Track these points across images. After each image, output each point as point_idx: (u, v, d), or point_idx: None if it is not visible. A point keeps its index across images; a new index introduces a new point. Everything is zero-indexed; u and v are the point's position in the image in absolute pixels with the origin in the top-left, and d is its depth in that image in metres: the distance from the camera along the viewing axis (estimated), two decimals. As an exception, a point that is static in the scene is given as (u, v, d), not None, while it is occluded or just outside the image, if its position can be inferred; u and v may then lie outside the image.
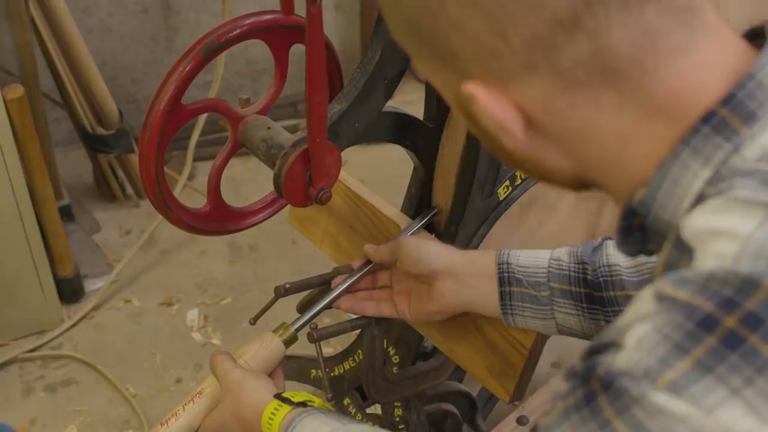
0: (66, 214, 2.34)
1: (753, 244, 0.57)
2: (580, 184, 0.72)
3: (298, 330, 1.13)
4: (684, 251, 0.62)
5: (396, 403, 1.38)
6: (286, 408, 1.00)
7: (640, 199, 0.67)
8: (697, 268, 0.58)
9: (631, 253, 0.73)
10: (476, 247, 1.31)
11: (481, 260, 1.13)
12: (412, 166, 1.30)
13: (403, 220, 1.29)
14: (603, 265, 1.06)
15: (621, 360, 0.59)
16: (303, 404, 1.01)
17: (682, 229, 0.62)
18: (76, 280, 2.20)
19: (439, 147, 1.26)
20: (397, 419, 1.39)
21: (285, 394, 1.03)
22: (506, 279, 1.10)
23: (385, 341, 1.31)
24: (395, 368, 1.39)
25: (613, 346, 0.61)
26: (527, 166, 0.73)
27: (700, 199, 0.63)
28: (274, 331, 1.11)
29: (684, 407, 0.56)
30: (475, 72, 0.66)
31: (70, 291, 2.20)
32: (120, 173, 2.47)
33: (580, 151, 0.68)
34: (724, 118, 0.63)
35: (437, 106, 1.24)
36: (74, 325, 2.15)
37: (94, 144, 2.34)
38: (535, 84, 0.65)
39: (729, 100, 0.63)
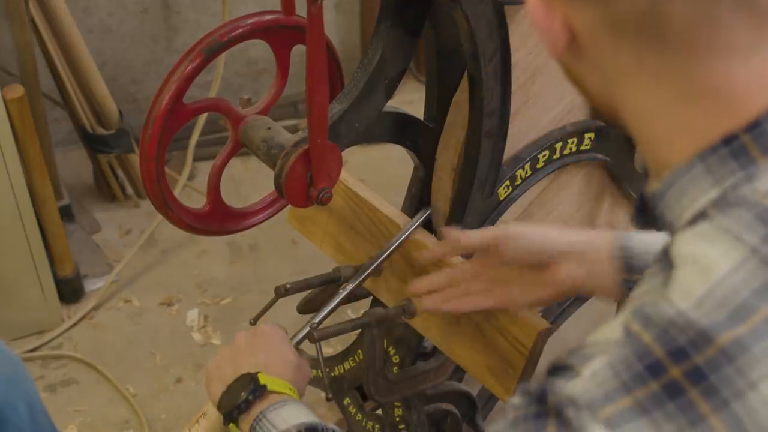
0: (66, 214, 2.34)
1: (721, 290, 0.58)
2: (616, 121, 0.72)
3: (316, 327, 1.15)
4: (667, 266, 0.62)
5: (396, 403, 1.38)
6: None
7: (652, 191, 0.68)
8: (661, 309, 0.59)
9: (641, 227, 0.74)
10: (476, 247, 1.31)
11: (601, 240, 1.07)
12: (412, 166, 1.30)
13: (403, 220, 1.30)
14: None
15: (572, 387, 0.61)
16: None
17: (673, 244, 0.63)
18: (76, 280, 2.20)
19: (439, 147, 1.26)
20: (397, 419, 1.39)
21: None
22: (629, 266, 1.05)
23: (385, 341, 1.31)
24: (395, 368, 1.39)
25: (572, 370, 0.62)
26: (571, 77, 0.74)
27: (701, 215, 0.63)
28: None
29: None
30: None
31: (70, 291, 2.20)
32: (120, 173, 2.47)
33: (616, 94, 0.68)
34: (744, 144, 0.62)
35: (437, 106, 1.24)
36: (74, 325, 2.15)
37: (94, 144, 2.34)
38: (588, 12, 0.65)
39: (754, 127, 0.62)
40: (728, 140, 0.62)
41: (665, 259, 0.63)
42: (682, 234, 0.63)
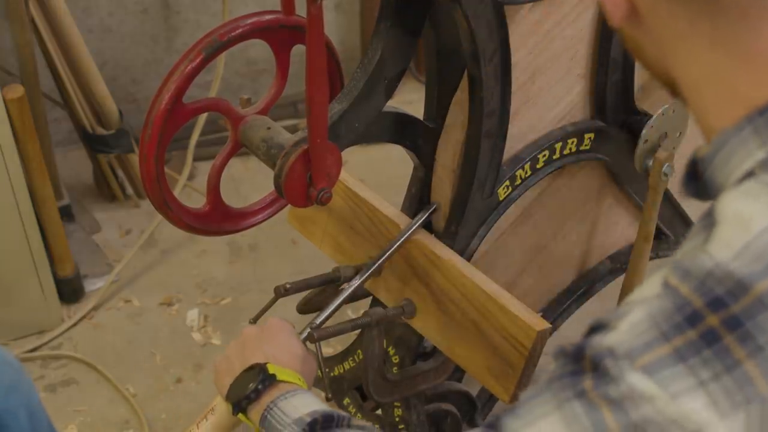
0: (66, 214, 2.33)
1: (760, 242, 0.60)
2: (672, 88, 0.74)
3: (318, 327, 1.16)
4: (710, 224, 0.64)
5: (396, 403, 1.38)
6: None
7: (701, 155, 0.69)
8: (700, 262, 0.61)
9: (691, 196, 0.75)
10: (476, 248, 1.31)
11: None
12: (412, 166, 1.30)
13: (403, 220, 1.30)
14: None
15: (610, 339, 0.62)
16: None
17: (718, 201, 0.65)
18: (76, 280, 2.20)
19: (438, 147, 1.26)
20: (397, 419, 1.39)
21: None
22: None
23: (385, 341, 1.31)
24: (395, 368, 1.39)
25: (609, 326, 0.64)
26: (630, 46, 0.76)
27: (748, 175, 0.65)
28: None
29: (653, 388, 0.59)
30: None
31: (70, 291, 2.19)
32: (120, 173, 2.47)
33: (670, 61, 0.70)
34: None
35: (437, 106, 1.24)
36: (74, 325, 2.15)
37: (94, 144, 2.34)
38: None
39: None
40: None
41: (708, 218, 0.65)
42: (727, 192, 0.65)
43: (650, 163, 1.41)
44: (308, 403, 0.98)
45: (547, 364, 1.16)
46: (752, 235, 0.60)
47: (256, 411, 1.01)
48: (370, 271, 1.22)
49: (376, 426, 1.42)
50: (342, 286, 1.25)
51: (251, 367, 1.03)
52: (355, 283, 1.21)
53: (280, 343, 1.08)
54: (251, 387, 1.01)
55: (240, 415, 1.03)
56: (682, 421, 0.59)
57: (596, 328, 0.65)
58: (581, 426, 0.62)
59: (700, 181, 0.72)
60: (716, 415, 0.58)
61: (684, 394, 0.59)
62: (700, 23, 0.66)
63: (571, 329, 1.60)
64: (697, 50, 0.67)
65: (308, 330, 1.16)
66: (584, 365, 0.63)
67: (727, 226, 0.62)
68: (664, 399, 0.59)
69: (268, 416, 0.98)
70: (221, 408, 1.07)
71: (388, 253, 1.25)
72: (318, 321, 1.17)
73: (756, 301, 0.58)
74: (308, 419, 0.94)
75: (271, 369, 1.02)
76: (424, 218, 1.27)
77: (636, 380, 0.60)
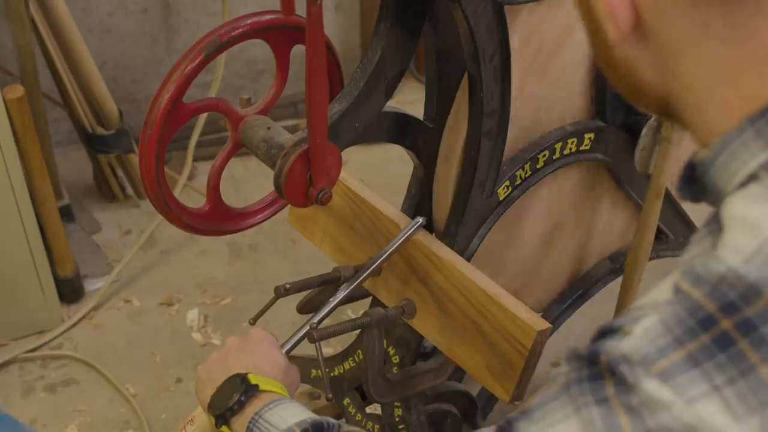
0: (66, 214, 2.34)
1: None
2: (664, 109, 0.73)
3: (315, 325, 1.15)
4: (716, 229, 0.64)
5: (396, 403, 1.38)
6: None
7: (701, 159, 0.68)
8: (712, 267, 0.61)
9: (686, 198, 0.75)
10: (476, 248, 1.31)
11: None
12: (412, 166, 1.30)
13: (403, 220, 1.29)
14: None
15: (624, 345, 0.62)
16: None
17: (723, 205, 0.64)
18: (76, 280, 2.20)
19: (439, 147, 1.26)
20: (397, 419, 1.39)
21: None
22: None
23: (385, 341, 1.31)
24: (395, 368, 1.39)
25: (621, 331, 0.63)
26: (620, 71, 0.73)
27: (752, 178, 0.64)
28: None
29: (669, 394, 0.59)
30: None
31: (70, 291, 2.20)
32: (120, 173, 2.47)
33: (674, 70, 0.69)
34: None
35: (437, 106, 1.24)
36: (74, 325, 2.15)
37: (94, 144, 2.34)
38: None
39: None
40: None
41: (714, 223, 0.64)
42: (732, 197, 0.64)
43: None
44: (296, 413, 0.96)
45: (546, 364, 1.16)
46: (762, 239, 0.60)
47: (240, 423, 0.99)
48: (363, 276, 1.21)
49: (377, 428, 1.42)
50: (340, 287, 1.25)
51: (232, 378, 1.02)
52: (348, 288, 1.21)
53: (262, 354, 1.06)
54: (234, 398, 0.99)
55: (223, 428, 1.01)
56: (699, 427, 0.59)
57: (608, 331, 0.65)
58: (595, 429, 0.62)
59: (696, 184, 0.71)
60: (731, 420, 0.58)
61: (699, 399, 0.59)
62: (713, 22, 0.65)
63: (571, 329, 1.60)
64: (707, 53, 0.66)
65: (306, 329, 1.16)
66: (601, 369, 0.63)
67: (735, 231, 0.61)
68: (680, 405, 0.59)
69: (254, 429, 0.97)
70: (201, 419, 1.06)
71: (380, 260, 1.25)
72: (313, 322, 1.16)
73: None
74: (298, 430, 0.93)
75: (253, 379, 1.01)
76: (409, 232, 1.26)
77: (652, 387, 0.60)
